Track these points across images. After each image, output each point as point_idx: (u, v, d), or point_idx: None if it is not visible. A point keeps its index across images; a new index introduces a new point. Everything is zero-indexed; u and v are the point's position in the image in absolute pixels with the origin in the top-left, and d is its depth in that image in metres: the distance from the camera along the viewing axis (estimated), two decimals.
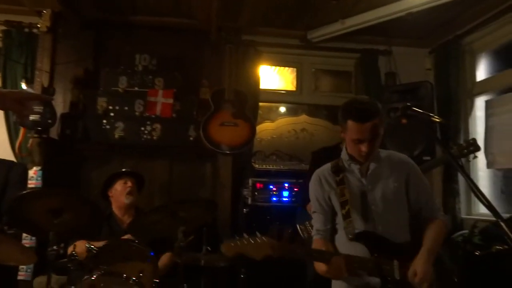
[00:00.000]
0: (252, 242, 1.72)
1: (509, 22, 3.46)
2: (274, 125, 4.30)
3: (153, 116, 3.63)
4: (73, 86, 3.66)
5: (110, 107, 3.60)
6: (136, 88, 3.65)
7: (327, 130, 4.29)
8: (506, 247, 1.25)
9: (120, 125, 3.60)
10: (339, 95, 4.35)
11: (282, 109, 4.57)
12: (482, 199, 1.41)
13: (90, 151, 3.71)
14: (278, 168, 3.62)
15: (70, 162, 3.65)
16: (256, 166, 3.61)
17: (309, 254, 1.85)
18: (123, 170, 2.99)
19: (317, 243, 1.91)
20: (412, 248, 1.80)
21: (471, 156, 2.67)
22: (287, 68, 4.42)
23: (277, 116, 4.47)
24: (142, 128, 3.63)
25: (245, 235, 1.77)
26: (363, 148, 1.81)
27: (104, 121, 3.59)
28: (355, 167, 1.91)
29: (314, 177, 1.99)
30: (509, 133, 3.43)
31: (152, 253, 2.36)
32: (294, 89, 4.36)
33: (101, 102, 3.59)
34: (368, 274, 1.80)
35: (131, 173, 2.97)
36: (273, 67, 4.42)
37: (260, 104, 4.24)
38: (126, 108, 3.62)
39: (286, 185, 3.48)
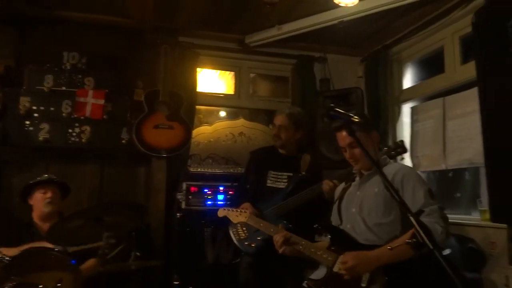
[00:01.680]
0: (234, 211, 2.44)
1: (432, 33, 3.71)
2: (212, 128, 4.26)
3: (82, 117, 3.45)
4: None
5: (34, 107, 3.38)
6: (64, 88, 3.46)
7: (264, 134, 4.32)
8: (414, 240, 1.31)
9: (45, 126, 3.38)
10: (277, 100, 4.43)
11: (223, 113, 4.55)
12: (395, 196, 1.47)
13: (10, 154, 3.43)
14: (213, 171, 3.57)
15: None
16: (191, 169, 3.54)
17: (262, 228, 2.31)
18: (44, 178, 2.76)
19: None
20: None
21: (399, 158, 2.79)
22: (228, 72, 4.42)
23: (216, 119, 4.44)
24: (70, 130, 3.44)
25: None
26: (347, 155, 2.08)
27: (27, 122, 3.35)
28: (357, 177, 2.16)
29: None
30: (432, 138, 3.66)
31: (73, 262, 2.22)
32: (233, 93, 4.36)
33: (24, 102, 3.35)
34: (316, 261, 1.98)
35: (52, 181, 2.77)
36: (213, 70, 4.40)
37: (201, 107, 4.21)
38: (52, 108, 3.41)
39: (221, 188, 3.44)
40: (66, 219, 2.30)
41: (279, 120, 2.95)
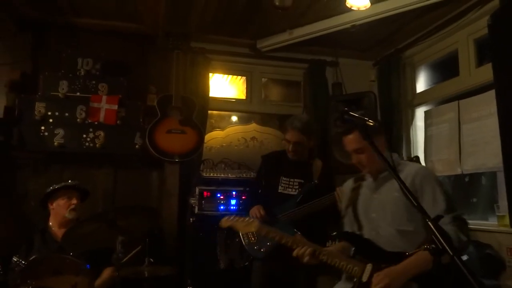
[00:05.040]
0: (243, 220, 2.20)
1: (445, 37, 3.67)
2: (224, 133, 4.27)
3: (96, 123, 3.49)
4: (8, 90, 3.43)
5: (49, 113, 3.42)
6: (78, 94, 3.50)
7: (277, 139, 4.31)
8: (433, 246, 1.28)
9: (60, 132, 3.42)
10: (289, 104, 4.42)
11: (234, 118, 4.56)
12: (413, 200, 1.45)
13: (26, 159, 3.48)
14: (226, 176, 3.56)
15: (3, 171, 3.40)
16: (204, 174, 3.55)
17: (274, 237, 2.08)
18: (69, 184, 2.75)
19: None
20: (403, 258, 1.80)
21: None
22: (239, 77, 4.43)
23: (228, 124, 4.45)
24: (84, 136, 3.47)
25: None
26: (353, 159, 2.05)
27: (42, 127, 3.40)
28: (369, 177, 2.09)
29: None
30: (446, 142, 3.61)
31: (88, 266, 2.23)
32: (244, 97, 4.37)
33: (39, 108, 3.40)
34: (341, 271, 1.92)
35: (77, 187, 2.76)
36: (225, 75, 4.41)
37: (213, 112, 4.22)
38: (66, 114, 3.45)
39: (234, 193, 3.44)
40: (81, 224, 2.31)
41: (293, 137, 2.84)
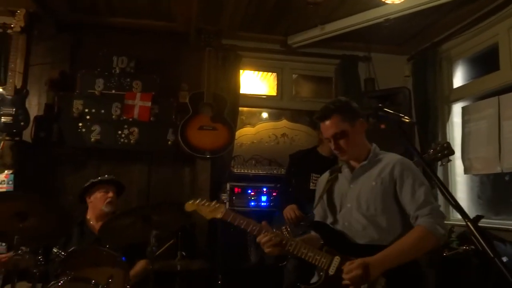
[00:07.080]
0: (208, 204, 2.02)
1: (484, 30, 3.53)
2: (255, 130, 4.28)
3: (130, 119, 3.58)
4: (48, 88, 3.58)
5: (86, 110, 3.54)
6: (113, 91, 3.60)
7: (307, 135, 4.29)
8: (472, 247, 1.24)
9: (96, 128, 3.54)
10: (320, 101, 4.36)
11: (265, 114, 4.56)
12: (450, 200, 1.39)
13: (65, 155, 3.63)
14: (257, 172, 3.58)
15: (44, 166, 3.56)
16: (235, 170, 3.58)
17: (240, 224, 1.92)
18: (106, 178, 2.84)
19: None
20: (374, 251, 1.74)
21: (445, 160, 2.66)
22: (270, 73, 4.43)
23: (259, 121, 4.46)
24: (119, 132, 3.57)
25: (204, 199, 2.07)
26: (332, 146, 1.91)
27: (80, 124, 3.53)
28: (345, 168, 1.99)
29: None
30: (485, 139, 3.47)
31: (123, 258, 2.30)
32: (275, 94, 4.36)
33: (77, 105, 3.53)
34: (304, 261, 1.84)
35: (114, 182, 2.86)
36: (256, 72, 4.42)
37: (243, 109, 4.24)
38: (102, 111, 3.57)
39: (265, 189, 3.45)
40: (117, 218, 2.38)
41: None
